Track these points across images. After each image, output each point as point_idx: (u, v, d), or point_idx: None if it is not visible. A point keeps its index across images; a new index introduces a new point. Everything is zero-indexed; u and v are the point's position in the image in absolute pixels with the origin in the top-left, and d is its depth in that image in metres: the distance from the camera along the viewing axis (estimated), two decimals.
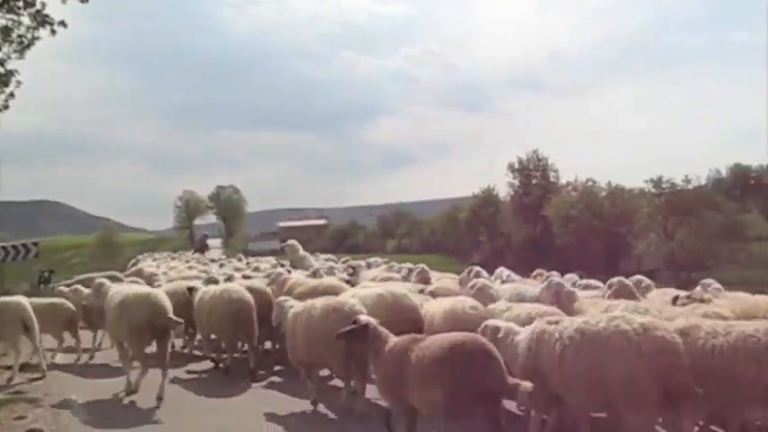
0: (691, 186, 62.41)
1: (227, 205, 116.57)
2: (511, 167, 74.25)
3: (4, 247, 22.40)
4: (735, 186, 77.72)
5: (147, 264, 24.27)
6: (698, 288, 9.37)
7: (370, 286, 10.87)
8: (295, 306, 9.22)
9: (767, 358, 5.53)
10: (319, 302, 8.74)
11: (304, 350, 8.75)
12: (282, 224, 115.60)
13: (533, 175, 73.22)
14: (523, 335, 6.62)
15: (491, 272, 12.66)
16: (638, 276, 10.11)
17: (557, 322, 6.37)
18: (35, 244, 23.59)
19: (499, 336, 6.77)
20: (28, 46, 21.15)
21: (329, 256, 27.22)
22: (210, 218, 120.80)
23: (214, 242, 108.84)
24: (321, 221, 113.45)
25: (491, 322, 7.13)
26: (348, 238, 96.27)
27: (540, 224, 69.07)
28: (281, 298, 9.92)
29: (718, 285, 9.45)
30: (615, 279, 9.06)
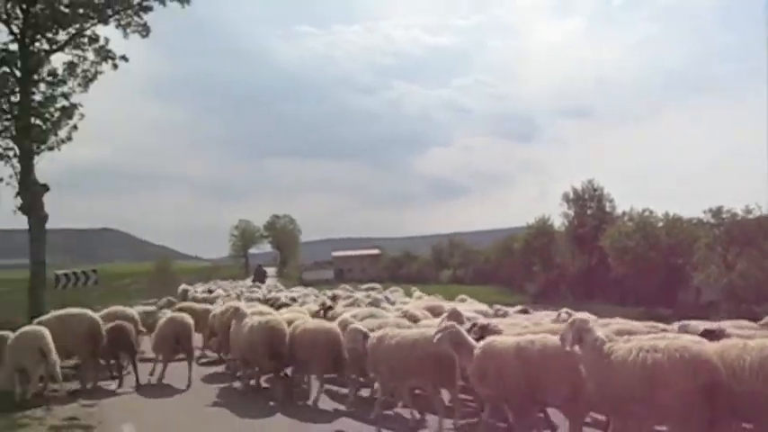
0: (752, 216, 60.45)
1: (283, 234, 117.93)
2: (566, 197, 72.87)
3: (66, 275, 22.99)
4: None
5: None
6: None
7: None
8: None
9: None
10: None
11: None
12: (336, 253, 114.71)
13: (588, 205, 71.71)
14: None
15: (549, 302, 13.53)
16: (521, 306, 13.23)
17: None
18: (94, 271, 24.19)
19: None
20: (91, 80, 22.01)
21: (372, 285, 27.81)
22: (265, 246, 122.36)
23: (269, 271, 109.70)
24: (375, 251, 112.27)
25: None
26: (402, 267, 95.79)
27: (596, 255, 67.67)
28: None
29: (695, 324, 8.94)
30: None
